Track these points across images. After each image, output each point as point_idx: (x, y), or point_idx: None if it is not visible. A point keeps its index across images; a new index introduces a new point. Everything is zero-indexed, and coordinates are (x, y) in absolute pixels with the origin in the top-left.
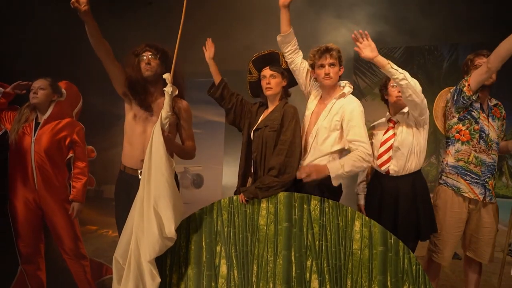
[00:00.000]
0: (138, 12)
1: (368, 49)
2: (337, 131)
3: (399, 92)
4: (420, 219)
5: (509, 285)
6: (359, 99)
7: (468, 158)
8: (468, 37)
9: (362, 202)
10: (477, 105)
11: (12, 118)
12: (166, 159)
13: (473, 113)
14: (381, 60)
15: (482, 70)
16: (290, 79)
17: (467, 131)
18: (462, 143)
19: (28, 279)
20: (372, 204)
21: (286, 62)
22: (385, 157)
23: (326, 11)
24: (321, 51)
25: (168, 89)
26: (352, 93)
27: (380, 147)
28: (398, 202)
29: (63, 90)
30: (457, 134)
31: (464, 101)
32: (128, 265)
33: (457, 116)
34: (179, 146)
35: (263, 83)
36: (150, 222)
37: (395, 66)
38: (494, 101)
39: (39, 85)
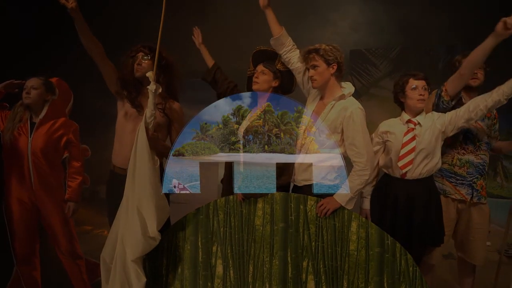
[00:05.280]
0: (138, 12)
1: None
2: (338, 134)
3: (420, 95)
4: (435, 224)
5: (504, 285)
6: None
7: (452, 161)
8: (464, 38)
9: (367, 206)
10: (458, 107)
11: (2, 117)
12: (149, 159)
13: None
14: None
15: (456, 76)
16: (284, 82)
17: None
18: (446, 146)
19: (23, 279)
20: (383, 209)
21: (283, 64)
22: (406, 159)
23: (323, 10)
24: (303, 55)
25: (152, 87)
26: None
27: (402, 148)
28: (414, 208)
29: (56, 89)
30: None
31: (444, 106)
32: (114, 265)
33: None
34: (168, 147)
35: (254, 78)
36: (133, 221)
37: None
38: None
39: (32, 85)
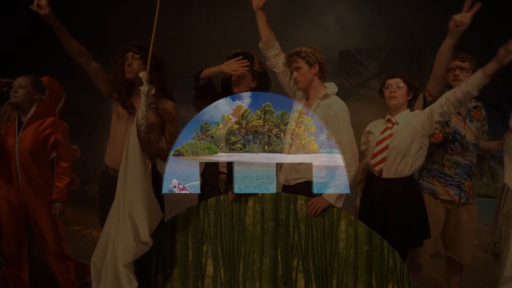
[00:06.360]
0: (137, 13)
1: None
2: None
3: (391, 92)
4: (412, 226)
5: (493, 284)
6: (343, 100)
7: (442, 161)
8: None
9: (357, 203)
10: None
11: None
12: (140, 161)
13: None
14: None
15: (431, 77)
16: (261, 82)
17: (440, 134)
18: (436, 146)
19: (10, 280)
20: (366, 207)
21: (260, 65)
22: (379, 157)
23: (313, 12)
24: (286, 59)
25: (144, 88)
26: (337, 94)
27: (376, 146)
28: (389, 207)
29: (46, 88)
30: (431, 138)
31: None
32: (105, 269)
33: None
34: (161, 148)
35: (233, 80)
36: (125, 226)
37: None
38: (474, 103)
39: (20, 83)
